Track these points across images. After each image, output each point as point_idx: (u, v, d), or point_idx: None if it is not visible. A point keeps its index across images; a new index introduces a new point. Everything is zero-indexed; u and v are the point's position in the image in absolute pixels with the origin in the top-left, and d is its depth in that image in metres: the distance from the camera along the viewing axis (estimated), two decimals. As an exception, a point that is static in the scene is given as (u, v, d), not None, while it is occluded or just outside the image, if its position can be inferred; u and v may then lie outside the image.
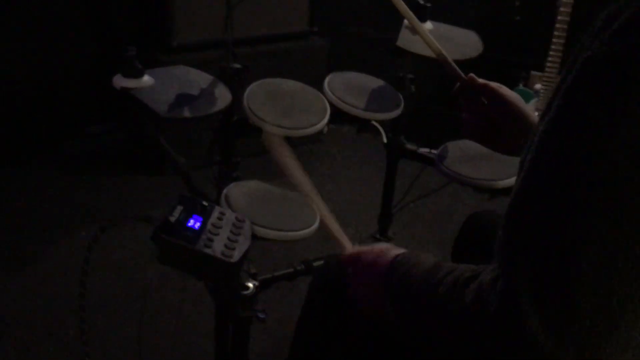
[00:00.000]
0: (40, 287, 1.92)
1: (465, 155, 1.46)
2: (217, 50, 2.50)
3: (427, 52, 1.43)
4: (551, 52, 2.56)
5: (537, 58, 2.79)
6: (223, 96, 1.16)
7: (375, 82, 1.58)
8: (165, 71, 1.18)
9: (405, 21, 1.52)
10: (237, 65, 1.33)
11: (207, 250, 0.98)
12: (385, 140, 1.65)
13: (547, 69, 2.60)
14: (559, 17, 2.51)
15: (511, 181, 1.40)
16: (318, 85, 2.90)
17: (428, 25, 1.52)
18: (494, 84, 1.03)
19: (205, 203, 1.09)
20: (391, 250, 0.87)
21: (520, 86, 2.73)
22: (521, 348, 0.61)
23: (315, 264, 1.70)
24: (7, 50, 2.39)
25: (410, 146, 1.63)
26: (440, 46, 1.07)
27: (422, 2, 1.50)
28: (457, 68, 1.07)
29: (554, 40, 2.54)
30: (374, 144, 1.71)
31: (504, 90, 1.03)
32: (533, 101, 2.67)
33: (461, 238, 1.27)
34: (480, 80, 1.04)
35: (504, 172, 1.40)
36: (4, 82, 2.43)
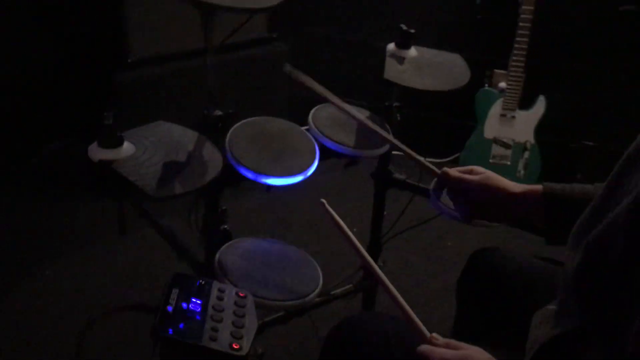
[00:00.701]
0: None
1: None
2: (173, 62, 2.39)
3: (414, 84, 1.37)
4: (515, 51, 2.54)
5: (500, 56, 2.77)
6: (213, 159, 1.05)
7: (360, 114, 1.49)
8: (145, 132, 1.05)
9: (389, 48, 1.44)
10: (220, 112, 1.22)
11: (214, 345, 0.89)
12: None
13: (512, 68, 2.58)
14: (522, 16, 2.49)
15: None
16: (285, 92, 2.83)
17: (412, 51, 1.44)
18: (466, 174, 1.07)
19: (202, 281, 0.99)
20: None
21: (486, 86, 2.71)
22: None
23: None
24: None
25: (398, 176, 1.57)
26: (413, 152, 1.13)
27: (405, 28, 1.42)
28: (431, 166, 1.12)
29: (518, 39, 2.52)
30: (361, 173, 1.63)
31: (476, 176, 1.07)
32: (499, 101, 2.65)
33: (466, 277, 1.23)
34: (453, 173, 1.08)
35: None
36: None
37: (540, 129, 2.66)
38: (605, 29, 2.64)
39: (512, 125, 2.69)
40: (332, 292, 1.70)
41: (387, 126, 1.47)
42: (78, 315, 1.66)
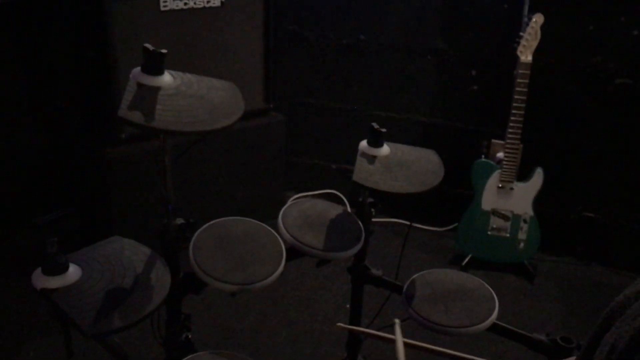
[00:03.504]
0: None
1: (434, 293, 1.36)
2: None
3: (383, 187, 1.32)
4: (511, 123, 2.51)
5: (497, 126, 2.74)
6: (161, 282, 1.02)
7: (333, 211, 1.47)
8: (97, 251, 1.03)
9: (361, 146, 1.42)
10: (181, 221, 1.20)
11: None
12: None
13: (509, 138, 2.54)
14: (518, 89, 2.47)
15: (483, 326, 1.30)
16: (282, 160, 2.82)
17: (384, 149, 1.42)
18: None
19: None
20: None
21: (483, 157, 2.67)
22: None
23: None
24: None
25: (374, 272, 1.52)
26: None
27: (376, 127, 1.40)
28: None
29: (514, 111, 2.49)
30: (336, 267, 1.59)
31: None
32: (496, 173, 2.61)
33: None
34: None
35: (475, 315, 1.30)
36: None
37: (538, 199, 2.61)
38: (601, 101, 2.61)
39: (511, 197, 2.63)
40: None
41: (360, 225, 1.44)
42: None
